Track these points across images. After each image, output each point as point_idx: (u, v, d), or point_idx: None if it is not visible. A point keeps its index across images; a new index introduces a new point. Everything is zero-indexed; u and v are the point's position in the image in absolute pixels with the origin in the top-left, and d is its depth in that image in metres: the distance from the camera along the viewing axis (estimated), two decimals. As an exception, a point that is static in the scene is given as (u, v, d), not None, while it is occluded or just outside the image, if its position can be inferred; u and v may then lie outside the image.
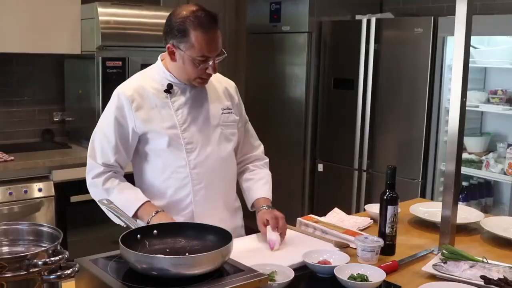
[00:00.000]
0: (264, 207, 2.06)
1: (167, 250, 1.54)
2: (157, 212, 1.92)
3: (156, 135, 1.97)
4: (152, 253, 1.46)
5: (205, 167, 2.01)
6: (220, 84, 2.12)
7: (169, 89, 1.98)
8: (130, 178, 2.08)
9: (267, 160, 2.28)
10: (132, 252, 1.40)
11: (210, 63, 1.90)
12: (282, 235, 1.97)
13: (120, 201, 1.90)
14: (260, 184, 2.16)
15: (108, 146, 1.98)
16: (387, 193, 1.92)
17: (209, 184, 2.03)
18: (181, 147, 1.98)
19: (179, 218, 1.99)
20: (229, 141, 2.09)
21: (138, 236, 1.55)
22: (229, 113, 2.08)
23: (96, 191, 2.00)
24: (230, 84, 2.17)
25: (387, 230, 1.92)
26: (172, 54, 1.93)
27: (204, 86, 2.03)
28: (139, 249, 1.49)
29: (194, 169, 2.00)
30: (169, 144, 1.97)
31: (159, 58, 2.05)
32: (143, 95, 1.97)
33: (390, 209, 1.91)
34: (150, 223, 1.86)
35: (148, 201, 1.97)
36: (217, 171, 2.05)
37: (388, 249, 1.91)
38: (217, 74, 2.10)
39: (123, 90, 1.97)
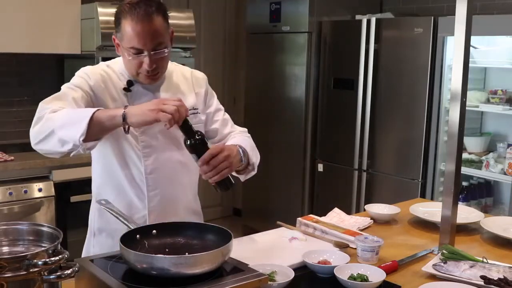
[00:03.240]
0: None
1: (167, 249, 1.54)
2: (126, 106, 1.66)
3: (114, 132, 1.76)
4: (152, 253, 1.46)
5: (163, 172, 1.88)
6: (186, 80, 1.97)
7: (129, 87, 1.83)
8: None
9: (246, 130, 2.09)
10: (132, 252, 1.40)
11: (145, 57, 1.72)
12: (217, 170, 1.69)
13: (70, 114, 1.64)
14: (236, 139, 1.95)
15: (66, 96, 1.73)
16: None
17: (166, 191, 1.89)
18: (138, 150, 1.84)
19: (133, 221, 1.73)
20: None
21: (138, 236, 1.55)
22: (194, 113, 1.92)
23: (37, 129, 1.65)
24: (197, 77, 2.01)
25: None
26: (117, 46, 1.81)
27: (167, 84, 1.89)
28: (139, 249, 1.49)
29: (150, 174, 1.87)
30: (124, 147, 1.84)
31: None
32: (107, 84, 1.83)
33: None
34: (127, 116, 1.60)
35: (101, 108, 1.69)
36: (176, 176, 1.92)
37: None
38: (184, 68, 1.99)
39: (89, 69, 1.85)
